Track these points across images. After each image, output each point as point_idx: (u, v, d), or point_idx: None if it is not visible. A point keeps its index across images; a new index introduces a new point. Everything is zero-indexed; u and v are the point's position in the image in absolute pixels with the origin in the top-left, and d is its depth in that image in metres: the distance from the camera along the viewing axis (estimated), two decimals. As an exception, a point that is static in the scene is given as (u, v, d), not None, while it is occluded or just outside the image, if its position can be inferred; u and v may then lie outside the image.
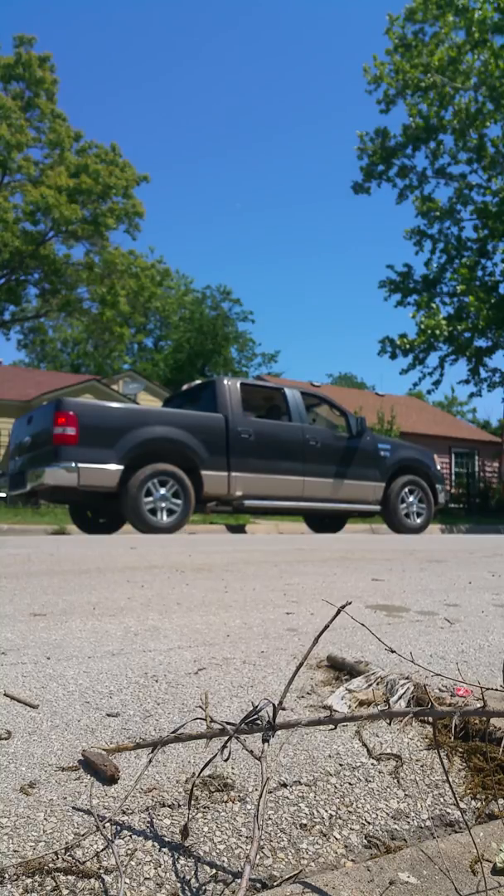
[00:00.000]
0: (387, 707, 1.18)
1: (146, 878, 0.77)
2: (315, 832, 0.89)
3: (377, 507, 9.33)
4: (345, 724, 1.07)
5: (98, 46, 73.81)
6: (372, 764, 1.05)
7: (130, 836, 0.83)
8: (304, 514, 10.17)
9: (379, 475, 9.21)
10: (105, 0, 71.92)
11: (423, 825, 0.95)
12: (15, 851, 0.77)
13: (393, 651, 1.10)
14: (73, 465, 7.04)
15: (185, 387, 9.63)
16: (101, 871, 0.76)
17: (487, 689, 0.95)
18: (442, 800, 1.00)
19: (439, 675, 1.02)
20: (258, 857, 0.83)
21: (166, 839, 0.83)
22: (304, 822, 0.91)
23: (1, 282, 24.75)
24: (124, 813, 0.86)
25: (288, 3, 77.37)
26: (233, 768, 0.99)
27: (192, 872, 0.79)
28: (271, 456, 8.34)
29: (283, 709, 0.93)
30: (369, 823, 0.93)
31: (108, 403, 8.54)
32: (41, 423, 7.61)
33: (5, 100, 22.81)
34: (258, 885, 0.80)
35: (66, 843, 0.79)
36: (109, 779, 0.93)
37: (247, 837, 0.86)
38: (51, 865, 0.76)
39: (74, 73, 71.70)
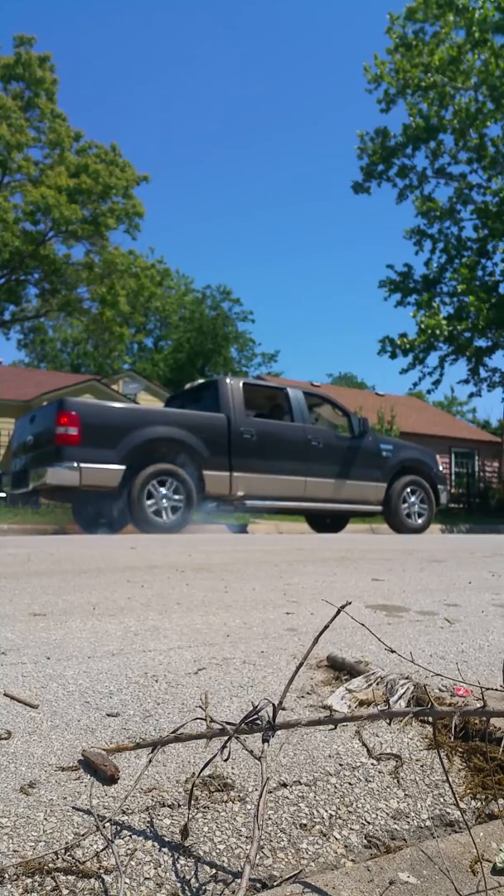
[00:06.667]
0: (387, 707, 1.18)
1: (146, 878, 0.77)
2: (315, 832, 0.89)
3: (379, 508, 9.31)
4: (345, 724, 1.07)
5: (98, 46, 73.87)
6: (372, 764, 1.05)
7: (130, 836, 0.83)
8: (306, 514, 10.16)
9: (381, 475, 9.19)
10: (105, 0, 72.00)
11: (423, 825, 0.95)
12: (15, 851, 0.77)
13: (393, 651, 1.10)
14: (76, 464, 7.05)
15: (187, 386, 9.62)
16: (101, 871, 0.76)
17: (487, 689, 0.95)
18: (442, 800, 1.00)
19: (439, 675, 1.02)
20: (258, 856, 0.83)
21: (166, 839, 0.83)
22: (304, 822, 0.91)
23: (1, 282, 24.75)
24: (124, 813, 0.86)
25: (287, 3, 77.43)
26: (233, 768, 0.99)
27: (192, 872, 0.79)
28: (273, 456, 8.32)
29: (283, 709, 0.93)
30: (369, 823, 0.93)
31: (111, 403, 8.54)
32: (44, 422, 7.62)
33: (5, 100, 22.79)
34: (258, 885, 0.80)
35: (66, 843, 0.79)
36: (109, 779, 0.93)
37: (247, 837, 0.86)
38: (51, 865, 0.76)
39: (74, 73, 71.88)
